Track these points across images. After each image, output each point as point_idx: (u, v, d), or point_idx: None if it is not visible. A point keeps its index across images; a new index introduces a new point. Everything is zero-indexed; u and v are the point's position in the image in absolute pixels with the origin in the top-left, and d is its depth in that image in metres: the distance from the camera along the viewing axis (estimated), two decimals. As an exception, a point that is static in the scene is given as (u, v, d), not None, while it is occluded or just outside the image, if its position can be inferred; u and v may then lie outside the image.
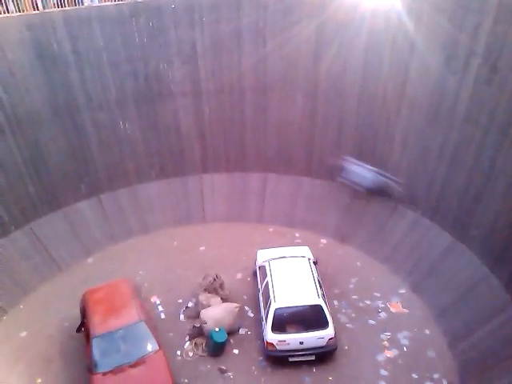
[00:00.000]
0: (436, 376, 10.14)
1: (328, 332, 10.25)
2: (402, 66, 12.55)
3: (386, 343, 11.04)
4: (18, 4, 12.66)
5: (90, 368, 9.70)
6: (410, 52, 12.26)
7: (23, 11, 12.68)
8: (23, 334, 11.76)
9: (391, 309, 12.00)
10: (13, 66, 12.32)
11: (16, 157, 12.93)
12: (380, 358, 10.68)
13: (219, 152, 16.02)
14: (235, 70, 14.79)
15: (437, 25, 11.48)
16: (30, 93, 12.82)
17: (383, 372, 10.32)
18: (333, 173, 14.65)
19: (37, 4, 13.00)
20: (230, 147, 15.93)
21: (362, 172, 14.01)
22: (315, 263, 12.04)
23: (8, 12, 12.67)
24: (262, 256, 12.52)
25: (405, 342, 11.05)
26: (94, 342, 9.92)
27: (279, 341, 10.26)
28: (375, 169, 13.86)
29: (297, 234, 14.89)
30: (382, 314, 11.86)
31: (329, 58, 13.80)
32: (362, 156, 14.23)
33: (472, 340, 10.29)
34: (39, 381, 10.54)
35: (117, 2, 13.76)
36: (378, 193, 13.93)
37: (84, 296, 11.31)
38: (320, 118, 14.75)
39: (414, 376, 10.18)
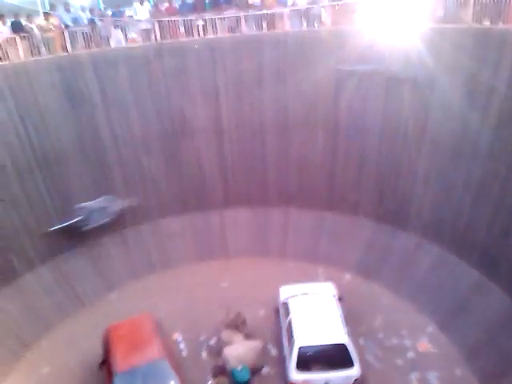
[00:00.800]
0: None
1: (354, 372, 9.98)
2: (422, 102, 12.63)
3: (415, 384, 10.68)
4: (49, 47, 13.28)
5: (113, 406, 9.58)
6: (430, 89, 12.34)
7: (53, 53, 13.28)
8: (46, 369, 11.74)
9: (419, 348, 11.64)
10: (43, 108, 12.80)
11: (43, 194, 13.27)
12: (409, 399, 10.32)
13: (241, 187, 16.14)
14: (256, 107, 15.09)
15: (457, 62, 11.59)
16: (58, 132, 13.25)
17: (413, 415, 9.95)
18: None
19: (66, 46, 13.61)
20: (251, 183, 16.05)
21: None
22: (340, 300, 11.84)
23: (40, 54, 13.29)
24: (285, 292, 12.36)
25: (435, 382, 10.66)
26: (117, 380, 9.82)
27: (303, 381, 10.01)
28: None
29: (320, 270, 14.72)
30: (410, 354, 11.50)
31: (349, 96, 13.98)
32: (383, 192, 14.19)
33: (506, 382, 9.87)
34: (61, 419, 10.45)
35: (142, 44, 14.32)
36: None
37: (106, 332, 11.27)
38: (341, 154, 14.83)
39: (446, 419, 9.78)
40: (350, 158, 14.67)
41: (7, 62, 12.59)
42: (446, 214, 12.76)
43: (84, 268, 14.08)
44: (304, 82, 14.22)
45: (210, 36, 14.95)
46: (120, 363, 10.13)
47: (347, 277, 14.33)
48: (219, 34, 15.00)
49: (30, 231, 12.99)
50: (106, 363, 10.70)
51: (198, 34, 14.99)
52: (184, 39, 14.91)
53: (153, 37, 14.75)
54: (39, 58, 13.13)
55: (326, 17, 15.04)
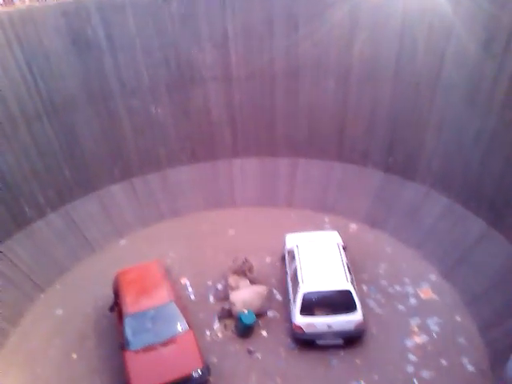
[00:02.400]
0: (465, 362, 10.03)
1: (356, 316, 10.26)
2: (438, 49, 12.17)
3: (415, 329, 10.96)
4: (54, -8, 12.94)
5: (123, 346, 10.01)
6: (447, 36, 11.85)
7: (59, -1, 12.96)
8: (59, 311, 12.23)
9: (421, 295, 11.87)
10: (49, 53, 12.64)
11: (52, 141, 13.33)
12: (409, 343, 10.62)
13: (250, 137, 16.04)
14: (266, 55, 14.69)
15: (477, 6, 11.08)
16: (65, 79, 13.14)
17: (411, 357, 10.27)
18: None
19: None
20: (260, 132, 15.93)
21: None
22: (344, 248, 12.00)
23: (45, 0, 12.99)
24: (291, 240, 12.55)
25: (434, 328, 10.94)
26: (127, 321, 10.22)
27: (307, 324, 10.34)
28: None
29: (326, 219, 14.84)
30: (412, 300, 11.75)
31: (362, 42, 13.54)
32: (394, 142, 14.04)
33: (504, 328, 10.09)
34: (74, 356, 10.97)
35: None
36: None
37: (117, 277, 11.63)
38: (352, 103, 14.53)
39: (443, 362, 10.09)
40: (361, 106, 14.38)
41: (12, 8, 12.34)
42: (456, 165, 12.62)
43: (94, 215, 14.35)
44: (317, 28, 13.77)
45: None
46: (130, 306, 10.50)
47: (353, 226, 14.45)
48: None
49: (40, 178, 13.16)
50: (116, 306, 11.11)
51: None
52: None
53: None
54: (44, 3, 12.83)
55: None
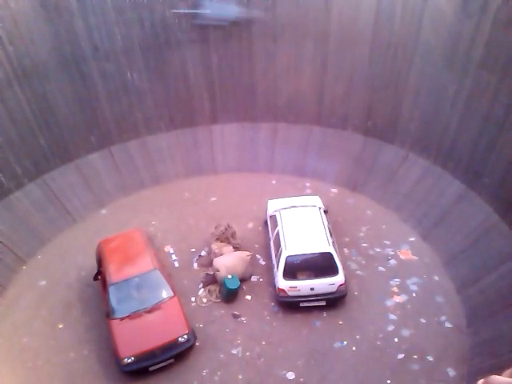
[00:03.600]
0: (443, 320, 10.42)
1: (338, 278, 10.49)
2: (415, 11, 12.06)
3: (395, 289, 11.29)
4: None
5: (108, 314, 10.09)
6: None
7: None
8: (43, 282, 12.18)
9: (401, 256, 12.17)
10: (17, 17, 12.07)
11: (25, 109, 12.90)
12: (389, 303, 10.95)
13: (229, 102, 15.81)
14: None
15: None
16: (35, 43, 12.62)
17: (392, 316, 10.61)
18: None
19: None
20: (239, 97, 15.70)
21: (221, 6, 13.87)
22: (325, 212, 12.13)
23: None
24: (273, 206, 12.63)
25: (414, 287, 11.28)
26: (111, 290, 10.26)
27: (290, 287, 10.54)
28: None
29: (307, 184, 14.93)
30: (392, 262, 12.05)
31: (340, 5, 13.29)
32: (373, 105, 14.02)
33: (480, 286, 10.47)
34: (60, 326, 11.01)
35: None
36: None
37: (99, 245, 11.59)
38: (330, 65, 14.38)
39: (422, 320, 10.46)
40: (340, 69, 14.26)
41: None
42: (434, 128, 12.74)
43: (73, 185, 14.10)
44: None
45: None
46: (114, 274, 10.52)
47: (334, 190, 14.58)
48: None
49: (15, 148, 12.80)
50: (100, 275, 11.11)
51: None
52: None
53: None
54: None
55: None
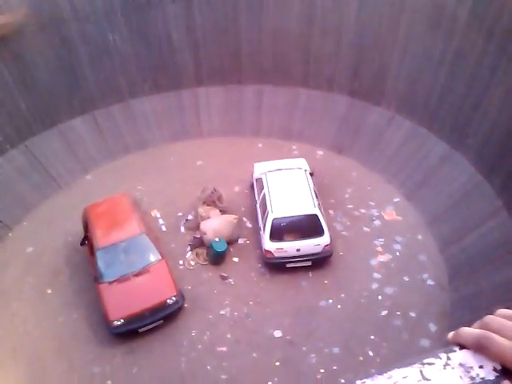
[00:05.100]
0: (426, 277, 10.69)
1: (324, 239, 10.64)
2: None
3: (379, 249, 11.50)
4: None
5: (96, 278, 10.18)
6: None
7: None
8: (30, 249, 12.18)
9: (385, 216, 12.34)
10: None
11: (3, 72, 12.54)
12: (373, 262, 11.18)
13: (214, 64, 15.48)
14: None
15: None
16: (10, 4, 12.16)
17: (376, 275, 10.86)
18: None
19: None
20: (224, 58, 15.38)
21: None
22: (311, 174, 12.17)
23: None
24: (259, 168, 12.62)
25: (397, 247, 11.51)
26: (98, 254, 10.32)
27: (277, 248, 10.68)
28: None
29: (294, 147, 14.88)
30: (377, 222, 12.22)
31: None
32: (359, 66, 13.86)
33: (462, 244, 10.71)
34: (49, 291, 11.11)
35: None
36: None
37: (85, 211, 11.56)
38: (317, 25, 14.09)
39: (405, 278, 10.73)
40: (327, 29, 13.99)
41: None
42: (419, 88, 12.69)
43: (56, 151, 13.89)
44: None
45: None
46: (101, 239, 10.56)
47: (320, 152, 14.56)
48: None
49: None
50: (87, 240, 11.11)
51: None
52: None
53: None
54: None
55: None
